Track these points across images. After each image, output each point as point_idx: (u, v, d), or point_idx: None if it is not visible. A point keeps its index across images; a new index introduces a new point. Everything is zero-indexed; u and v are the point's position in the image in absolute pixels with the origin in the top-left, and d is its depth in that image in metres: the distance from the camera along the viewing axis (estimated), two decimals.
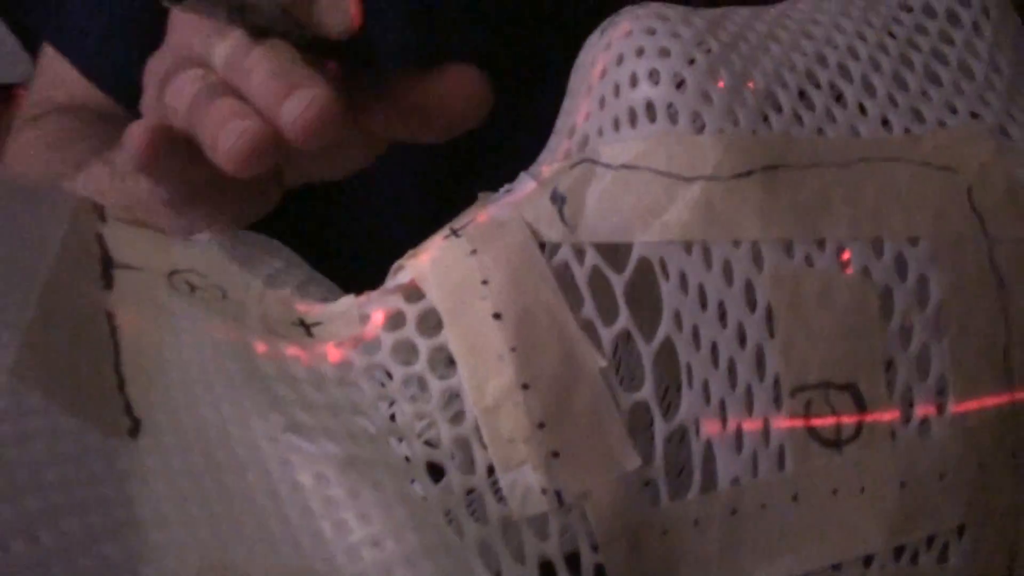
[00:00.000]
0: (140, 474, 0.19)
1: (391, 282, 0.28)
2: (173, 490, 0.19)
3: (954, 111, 0.27)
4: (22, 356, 0.19)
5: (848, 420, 0.26)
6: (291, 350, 0.25)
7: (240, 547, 0.19)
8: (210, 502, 0.19)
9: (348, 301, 0.28)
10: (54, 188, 0.27)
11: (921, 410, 0.26)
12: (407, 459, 0.24)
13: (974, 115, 0.27)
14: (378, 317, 0.27)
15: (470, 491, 0.25)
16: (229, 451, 0.21)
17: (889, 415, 0.26)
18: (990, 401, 0.26)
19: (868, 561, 0.26)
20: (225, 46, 0.31)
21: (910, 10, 0.29)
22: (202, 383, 0.22)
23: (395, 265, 0.28)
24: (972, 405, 0.26)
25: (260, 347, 0.25)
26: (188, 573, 0.17)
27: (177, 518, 0.18)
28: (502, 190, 0.29)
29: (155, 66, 0.32)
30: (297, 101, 0.28)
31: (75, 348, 0.21)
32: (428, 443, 0.25)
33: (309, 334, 0.27)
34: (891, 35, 0.28)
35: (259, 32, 0.32)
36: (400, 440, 0.25)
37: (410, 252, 0.28)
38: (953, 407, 0.26)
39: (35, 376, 0.19)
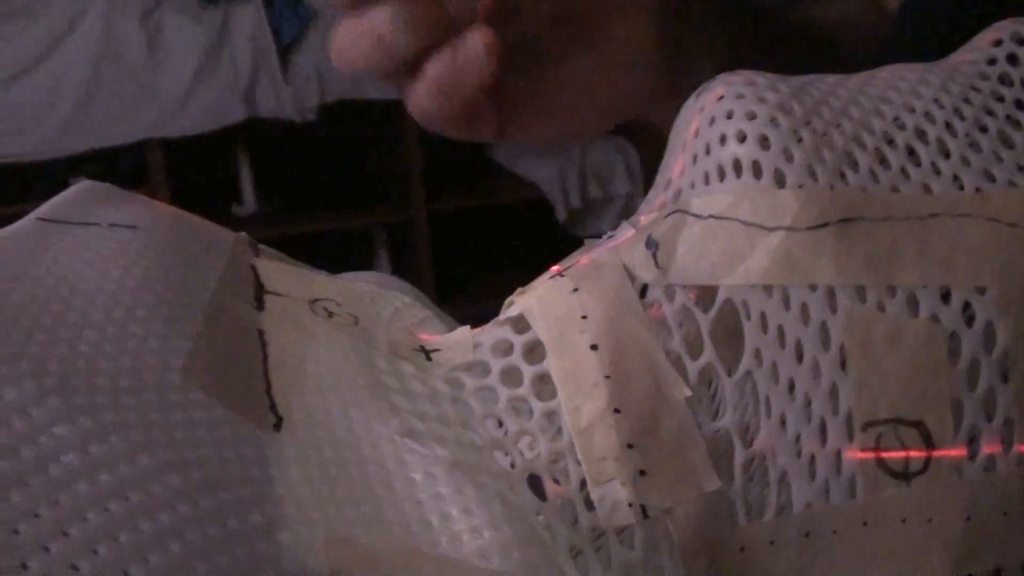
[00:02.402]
0: (280, 461, 0.23)
1: (503, 315, 0.31)
2: (306, 475, 0.23)
3: None
4: (190, 360, 0.23)
5: (916, 455, 0.28)
6: (410, 369, 0.29)
7: (360, 526, 0.22)
8: (336, 488, 0.23)
9: (464, 331, 0.32)
10: (216, 228, 0.31)
11: (987, 448, 0.28)
12: (510, 467, 0.27)
13: None
14: (489, 345, 0.30)
15: (563, 501, 0.27)
16: (354, 448, 0.24)
17: (956, 452, 0.28)
18: None
19: None
20: None
21: (987, 78, 0.31)
22: (334, 391, 0.26)
23: (507, 301, 0.32)
24: None
25: (383, 365, 0.28)
26: (316, 541, 0.21)
27: (309, 497, 0.22)
28: (605, 236, 0.32)
29: None
30: None
31: (232, 356, 0.25)
32: (528, 457, 0.28)
33: (428, 358, 0.30)
34: (967, 101, 0.30)
35: None
36: (504, 453, 0.28)
37: (519, 289, 0.32)
38: (1019, 447, 0.28)
39: (200, 376, 0.23)
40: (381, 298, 0.34)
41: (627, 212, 2.95)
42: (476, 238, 2.96)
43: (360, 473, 0.24)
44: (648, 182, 0.38)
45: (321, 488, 0.23)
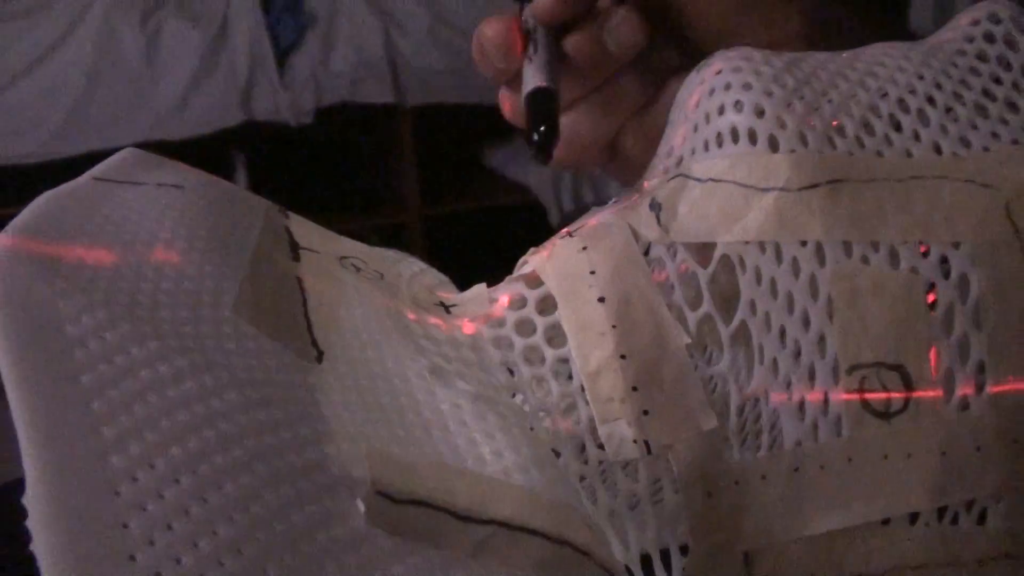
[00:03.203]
0: (323, 387, 0.25)
1: (517, 273, 0.34)
2: (346, 400, 0.25)
3: (997, 138, 0.32)
4: (239, 298, 0.26)
5: (897, 396, 0.30)
6: (433, 319, 0.31)
7: (395, 444, 0.25)
8: (372, 412, 0.25)
9: (480, 288, 0.34)
10: (249, 193, 0.34)
11: (961, 390, 0.30)
12: (525, 407, 0.30)
13: (1015, 142, 0.32)
14: (504, 299, 0.33)
15: (574, 438, 0.30)
16: (387, 381, 0.27)
17: (933, 393, 0.30)
18: (1023, 385, 0.30)
19: (914, 518, 0.30)
20: None
21: (965, 55, 0.34)
22: (367, 332, 0.28)
23: (520, 260, 0.34)
24: (1007, 387, 0.30)
25: (408, 313, 0.31)
26: (358, 454, 0.23)
27: (349, 418, 0.25)
28: (611, 201, 0.35)
29: None
30: None
31: (275, 296, 0.27)
32: (541, 398, 0.30)
33: (448, 312, 0.33)
34: (947, 75, 0.33)
35: None
36: (520, 396, 0.30)
37: (532, 250, 0.34)
38: (990, 388, 0.30)
39: (250, 311, 0.26)
40: (401, 261, 0.36)
41: None
42: (470, 241, 2.99)
43: (393, 402, 0.26)
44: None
45: (359, 411, 0.25)
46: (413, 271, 0.36)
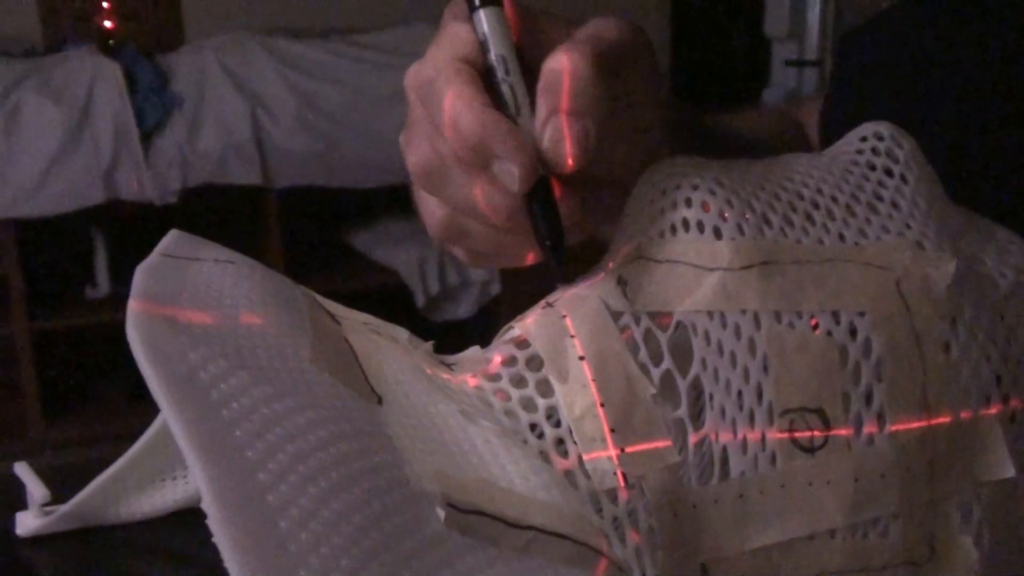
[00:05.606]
0: (388, 423, 0.31)
1: (505, 337, 0.40)
2: (408, 435, 0.31)
3: (887, 231, 0.40)
4: (315, 351, 0.32)
5: (818, 434, 0.38)
6: (444, 374, 0.38)
7: (450, 469, 0.31)
8: (428, 444, 0.31)
9: (475, 350, 0.40)
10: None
11: (867, 429, 0.38)
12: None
13: (900, 234, 0.40)
14: (498, 359, 0.39)
15: (567, 471, 0.36)
16: (431, 420, 0.33)
17: (846, 431, 0.38)
18: (914, 424, 0.38)
19: (833, 533, 0.38)
20: None
21: (858, 164, 0.42)
22: (404, 383, 0.34)
23: (505, 327, 0.41)
24: (902, 426, 0.38)
25: (426, 369, 0.37)
26: (427, 473, 0.29)
27: (413, 447, 0.31)
28: (578, 279, 0.42)
29: None
30: None
31: (337, 353, 0.33)
32: (538, 439, 0.37)
33: (450, 369, 0.39)
34: (846, 181, 0.42)
35: None
36: (521, 438, 0.37)
37: (518, 317, 0.41)
38: (889, 427, 0.38)
39: (324, 362, 0.32)
40: (394, 328, 0.42)
41: (483, 297, 3.01)
42: None
43: (439, 436, 0.32)
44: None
45: (418, 443, 0.31)
46: (407, 335, 0.42)
